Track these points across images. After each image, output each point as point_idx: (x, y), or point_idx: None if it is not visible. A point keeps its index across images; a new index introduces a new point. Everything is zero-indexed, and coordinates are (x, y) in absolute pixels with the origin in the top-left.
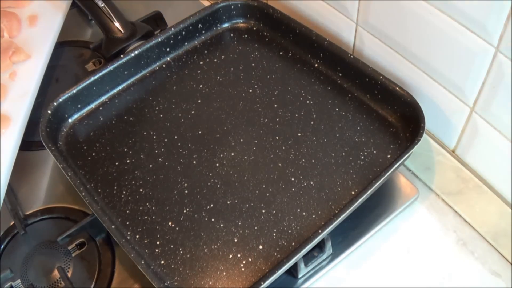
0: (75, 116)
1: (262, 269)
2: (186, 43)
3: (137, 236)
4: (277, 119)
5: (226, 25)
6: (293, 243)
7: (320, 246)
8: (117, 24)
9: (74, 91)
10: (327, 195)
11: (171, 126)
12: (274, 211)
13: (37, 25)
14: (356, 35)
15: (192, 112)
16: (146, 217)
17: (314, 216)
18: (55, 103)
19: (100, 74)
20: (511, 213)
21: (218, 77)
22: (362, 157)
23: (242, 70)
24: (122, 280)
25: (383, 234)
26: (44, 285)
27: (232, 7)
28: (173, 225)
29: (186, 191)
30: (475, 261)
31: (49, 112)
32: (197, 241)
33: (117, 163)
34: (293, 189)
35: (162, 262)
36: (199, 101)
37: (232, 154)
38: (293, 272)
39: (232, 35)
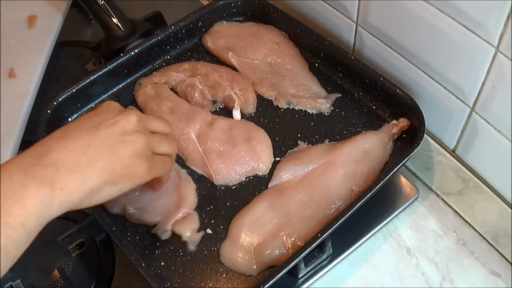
0: (75, 116)
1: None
2: (186, 41)
3: (137, 238)
4: (277, 120)
5: (226, 23)
6: None
7: (320, 246)
8: (116, 22)
9: (74, 91)
10: None
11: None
12: None
13: (36, 25)
14: (356, 35)
15: None
16: None
17: None
18: (55, 103)
19: (100, 73)
20: (511, 213)
21: None
22: None
23: None
24: (122, 280)
25: (383, 234)
26: (44, 285)
27: (233, 5)
28: None
29: None
30: (475, 261)
31: (49, 112)
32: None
33: None
34: None
35: (162, 263)
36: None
37: None
38: (293, 272)
39: None
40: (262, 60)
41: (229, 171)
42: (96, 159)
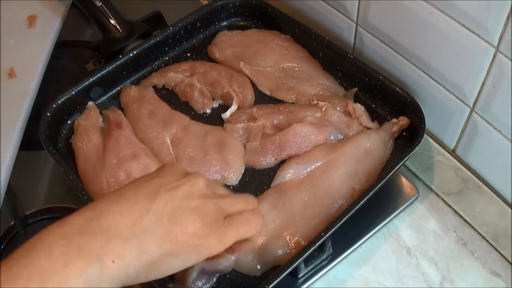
0: (75, 118)
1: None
2: (184, 42)
3: None
4: None
5: (224, 23)
6: None
7: (320, 246)
8: (114, 23)
9: (73, 93)
10: None
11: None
12: None
13: (36, 25)
14: (356, 35)
15: (192, 112)
16: None
17: None
18: (54, 105)
19: (99, 75)
20: (511, 213)
21: None
22: None
23: None
24: None
25: (383, 234)
26: None
27: (231, 5)
28: None
29: None
30: (475, 261)
31: (48, 114)
32: None
33: None
34: None
35: None
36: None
37: None
38: (293, 272)
39: None
40: (274, 66)
41: None
42: (155, 226)
